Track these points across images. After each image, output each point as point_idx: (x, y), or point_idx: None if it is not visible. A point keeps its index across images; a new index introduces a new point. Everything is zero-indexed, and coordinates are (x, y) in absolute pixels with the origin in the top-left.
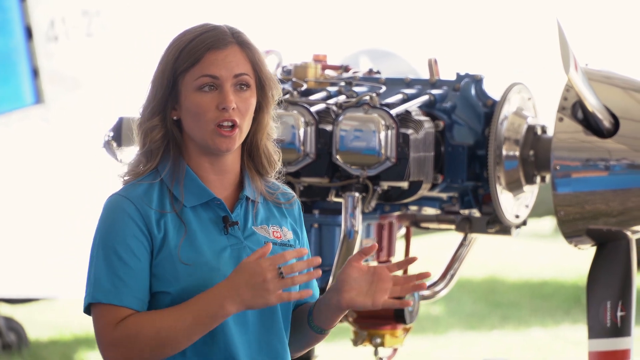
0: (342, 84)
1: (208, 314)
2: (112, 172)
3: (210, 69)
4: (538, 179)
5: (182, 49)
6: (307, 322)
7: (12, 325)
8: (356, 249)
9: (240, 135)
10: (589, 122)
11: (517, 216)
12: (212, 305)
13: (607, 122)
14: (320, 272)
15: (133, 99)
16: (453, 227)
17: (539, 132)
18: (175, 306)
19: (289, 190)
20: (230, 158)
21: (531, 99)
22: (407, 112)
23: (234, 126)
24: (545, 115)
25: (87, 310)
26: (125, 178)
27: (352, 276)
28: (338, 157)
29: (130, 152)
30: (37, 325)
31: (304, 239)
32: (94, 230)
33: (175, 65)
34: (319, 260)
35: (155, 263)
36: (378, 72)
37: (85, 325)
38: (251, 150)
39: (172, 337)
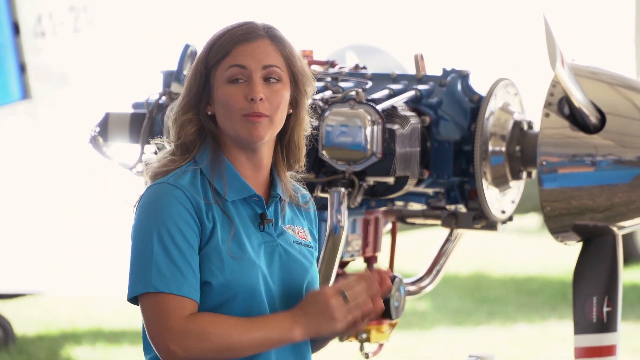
0: (329, 79)
1: (276, 335)
2: (99, 168)
3: (239, 59)
4: (524, 174)
5: (214, 43)
6: None
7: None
8: (342, 244)
9: (271, 127)
10: (576, 118)
11: (503, 212)
12: (282, 328)
13: (593, 118)
14: (390, 284)
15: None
16: (439, 222)
17: (525, 127)
18: (247, 318)
19: (306, 192)
20: (266, 152)
21: (517, 95)
22: (393, 108)
23: (260, 116)
24: (531, 111)
25: (134, 299)
26: (157, 171)
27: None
28: (324, 152)
29: (117, 147)
30: (24, 321)
31: (320, 239)
32: (84, 224)
33: (207, 59)
34: (385, 273)
35: (202, 254)
36: (364, 68)
37: (73, 321)
38: (289, 145)
39: (238, 346)
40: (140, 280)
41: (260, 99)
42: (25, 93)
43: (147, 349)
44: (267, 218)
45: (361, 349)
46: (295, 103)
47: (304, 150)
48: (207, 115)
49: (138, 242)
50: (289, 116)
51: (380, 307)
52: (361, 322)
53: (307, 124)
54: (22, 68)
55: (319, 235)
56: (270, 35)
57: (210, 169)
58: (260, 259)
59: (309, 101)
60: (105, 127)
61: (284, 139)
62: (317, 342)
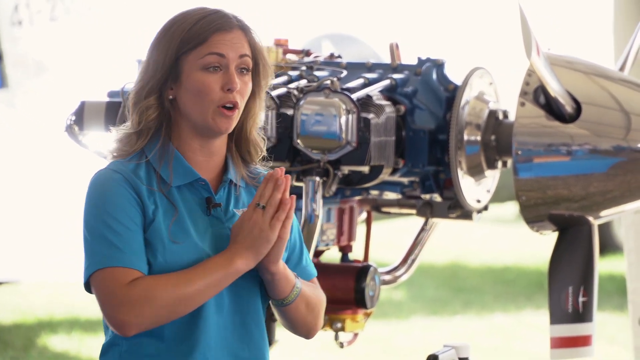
0: (304, 68)
1: (220, 272)
2: (75, 157)
3: (219, 47)
4: (500, 164)
5: (188, 29)
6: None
7: None
8: (317, 233)
9: (238, 116)
10: (551, 107)
11: (478, 201)
12: (222, 264)
13: (569, 107)
14: (289, 177)
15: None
16: (414, 211)
17: (501, 116)
18: (187, 269)
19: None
20: (219, 141)
21: (493, 84)
22: (368, 97)
23: (233, 107)
24: (507, 100)
25: (88, 286)
26: (115, 154)
27: None
28: (299, 141)
29: (93, 136)
30: (0, 309)
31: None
32: (60, 212)
33: (180, 45)
34: (281, 170)
35: (145, 237)
36: (339, 57)
37: (49, 309)
38: (239, 137)
39: (187, 297)
40: (87, 266)
41: (237, 90)
42: (2, 82)
43: (105, 334)
44: (213, 202)
45: (336, 338)
46: (251, 95)
47: (260, 143)
48: (169, 100)
49: (84, 229)
50: None
51: (292, 198)
52: (288, 220)
53: (258, 117)
54: None
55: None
56: (241, 25)
57: (157, 158)
58: (205, 243)
59: (264, 94)
60: (81, 116)
61: (235, 129)
62: (283, 314)
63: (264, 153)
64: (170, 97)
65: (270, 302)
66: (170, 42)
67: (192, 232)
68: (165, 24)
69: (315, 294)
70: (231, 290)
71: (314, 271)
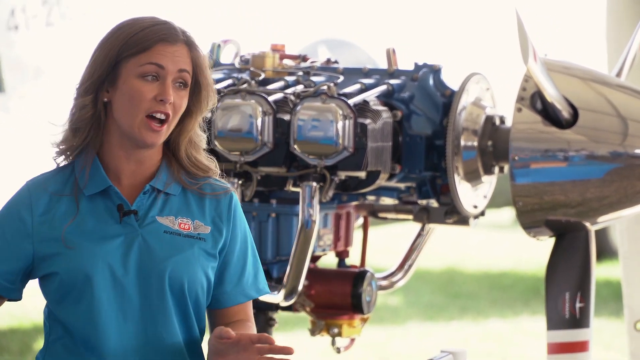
0: (300, 73)
1: None
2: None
3: (158, 58)
4: (496, 169)
5: (133, 35)
6: None
7: None
8: (314, 239)
9: (167, 131)
10: (548, 113)
11: (475, 206)
12: None
13: (566, 113)
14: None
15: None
16: (411, 217)
17: (498, 122)
18: None
19: (223, 184)
20: (148, 152)
21: (489, 89)
22: (365, 102)
23: (163, 121)
24: (503, 105)
25: None
26: (55, 149)
27: (218, 347)
28: (296, 146)
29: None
30: None
31: (237, 233)
32: None
33: (122, 48)
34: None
35: (40, 249)
36: (336, 62)
37: None
38: (174, 153)
39: None
40: None
41: (170, 103)
42: None
43: None
44: (124, 209)
45: (333, 343)
46: (186, 112)
47: (203, 162)
48: (102, 102)
49: None
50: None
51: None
52: None
53: (195, 135)
54: None
55: (289, 230)
56: (187, 42)
57: (80, 163)
58: (107, 250)
59: (203, 115)
60: None
61: (168, 143)
62: None
63: (215, 171)
64: (105, 99)
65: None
66: (114, 45)
67: (90, 238)
68: (113, 26)
69: None
70: (140, 298)
71: (253, 292)
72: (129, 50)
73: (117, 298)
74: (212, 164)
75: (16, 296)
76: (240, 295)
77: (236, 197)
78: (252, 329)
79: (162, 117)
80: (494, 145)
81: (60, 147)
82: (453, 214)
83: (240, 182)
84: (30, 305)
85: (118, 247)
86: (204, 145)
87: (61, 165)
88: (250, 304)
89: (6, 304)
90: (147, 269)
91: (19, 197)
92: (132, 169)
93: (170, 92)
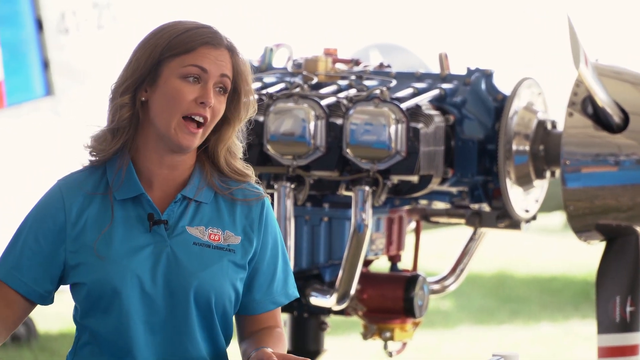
0: (353, 77)
1: None
2: None
3: (202, 61)
4: (548, 173)
5: (177, 35)
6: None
7: None
8: (366, 243)
9: (202, 137)
10: (599, 118)
11: (526, 211)
12: None
13: (617, 118)
14: None
15: None
16: (463, 221)
17: (549, 127)
18: None
19: (257, 189)
20: (183, 157)
21: (541, 94)
22: (418, 106)
23: (201, 124)
24: (555, 110)
25: None
26: (90, 152)
27: None
28: (348, 150)
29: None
30: (47, 318)
31: (268, 241)
32: None
33: (165, 48)
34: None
35: (72, 254)
36: (388, 66)
37: None
38: (212, 161)
39: None
40: None
41: (209, 106)
42: (48, 89)
43: None
44: (154, 219)
45: (385, 347)
46: (224, 120)
47: (241, 170)
48: (140, 101)
49: None
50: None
51: None
52: None
53: (234, 144)
54: (45, 64)
55: (342, 234)
56: (230, 47)
57: (113, 165)
58: (136, 261)
59: (241, 125)
60: None
61: (206, 151)
62: None
63: (252, 178)
64: (143, 98)
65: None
66: (157, 44)
67: (119, 248)
68: (156, 27)
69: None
70: (167, 309)
71: (282, 299)
72: (173, 50)
73: (145, 310)
74: (249, 170)
75: (49, 302)
76: (270, 303)
77: (268, 202)
78: (282, 336)
79: (200, 119)
80: (546, 149)
81: (98, 147)
82: (505, 218)
83: (292, 186)
84: None
85: (147, 258)
86: (240, 154)
87: (93, 166)
88: (279, 310)
89: (56, 306)
90: (174, 282)
91: (51, 199)
92: (165, 174)
93: (212, 96)
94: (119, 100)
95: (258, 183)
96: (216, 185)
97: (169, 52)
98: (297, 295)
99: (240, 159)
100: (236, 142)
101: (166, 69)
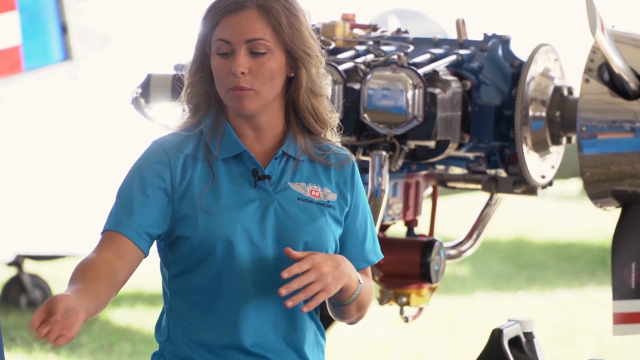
0: (370, 43)
1: None
2: (140, 130)
3: (224, 33)
4: (564, 139)
5: (207, 12)
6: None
7: (38, 282)
8: (383, 207)
9: (259, 99)
10: (615, 84)
11: (543, 177)
12: None
13: (633, 84)
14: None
15: (162, 56)
16: (479, 186)
17: (565, 93)
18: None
19: (345, 151)
20: (265, 117)
21: (558, 60)
22: (435, 72)
23: (243, 88)
24: (571, 76)
25: None
26: (172, 127)
27: None
28: (365, 115)
29: (159, 109)
30: (63, 283)
31: (359, 201)
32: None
33: (205, 28)
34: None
35: (178, 209)
36: (406, 32)
37: None
38: (295, 109)
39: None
40: (104, 224)
41: (242, 73)
42: (66, 54)
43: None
44: (259, 174)
45: (401, 312)
46: (294, 67)
47: (324, 114)
48: (212, 77)
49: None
50: (290, 79)
51: None
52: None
53: (314, 84)
54: (63, 29)
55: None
56: (258, 4)
57: (209, 130)
58: (245, 214)
59: (317, 63)
60: (147, 89)
61: (289, 102)
62: (339, 312)
63: (332, 123)
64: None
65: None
66: (201, 25)
67: (228, 202)
68: None
69: (367, 291)
70: (276, 263)
71: (373, 257)
72: (206, 30)
73: (255, 262)
74: (332, 116)
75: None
76: (362, 262)
77: (356, 164)
78: (372, 288)
79: (238, 89)
80: (562, 115)
81: (185, 123)
82: (521, 183)
83: None
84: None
85: (254, 212)
86: (327, 92)
87: (187, 131)
88: (369, 269)
89: (71, 271)
90: (283, 235)
91: (155, 155)
92: (256, 136)
93: (239, 63)
94: (193, 79)
95: (346, 146)
96: (311, 153)
97: (206, 30)
98: (382, 256)
99: (327, 97)
100: (316, 82)
101: (212, 46)
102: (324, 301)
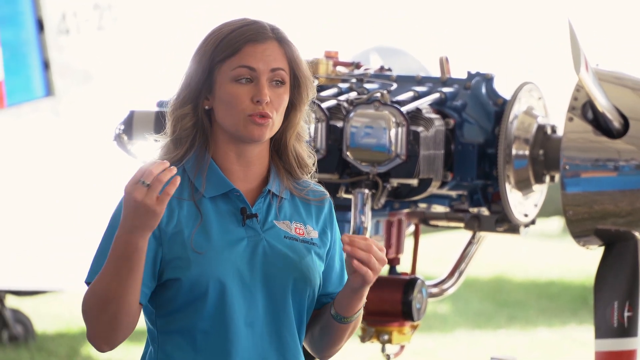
0: (354, 80)
1: (121, 255)
2: (122, 166)
3: (249, 61)
4: (547, 178)
5: (222, 40)
6: (330, 312)
7: (19, 317)
8: None
9: (272, 128)
10: (599, 123)
11: (525, 215)
12: (119, 247)
13: (616, 123)
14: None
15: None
16: (462, 225)
17: (549, 131)
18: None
19: (321, 189)
20: (257, 150)
21: (541, 99)
22: (418, 110)
23: (265, 116)
24: (555, 115)
25: None
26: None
27: None
28: (348, 153)
29: (142, 146)
30: (44, 318)
31: (336, 237)
32: (105, 222)
33: (213, 54)
34: (166, 164)
35: (168, 251)
36: (389, 70)
37: None
38: (279, 149)
39: (106, 292)
40: (87, 272)
41: (266, 102)
42: (48, 90)
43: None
44: (247, 213)
45: (383, 350)
46: (291, 106)
47: (305, 158)
48: (204, 110)
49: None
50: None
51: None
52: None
53: (301, 128)
54: (45, 65)
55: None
56: (277, 37)
57: (193, 167)
58: (236, 254)
59: (306, 107)
60: (130, 125)
61: (275, 141)
62: (334, 330)
63: (312, 168)
64: (207, 107)
65: (330, 315)
66: (206, 52)
67: (218, 242)
68: (205, 34)
69: (357, 320)
70: (265, 301)
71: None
72: (220, 55)
73: (245, 302)
74: (310, 160)
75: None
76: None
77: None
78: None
79: (261, 117)
80: (545, 154)
81: (165, 157)
82: (504, 222)
83: None
84: (77, 310)
85: (244, 251)
86: (306, 136)
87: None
88: None
89: (53, 307)
90: (272, 274)
91: None
92: (243, 171)
93: (265, 92)
94: (179, 112)
95: (320, 184)
96: (292, 187)
97: (218, 57)
98: None
99: (305, 142)
100: (303, 125)
101: (219, 75)
102: (305, 339)
